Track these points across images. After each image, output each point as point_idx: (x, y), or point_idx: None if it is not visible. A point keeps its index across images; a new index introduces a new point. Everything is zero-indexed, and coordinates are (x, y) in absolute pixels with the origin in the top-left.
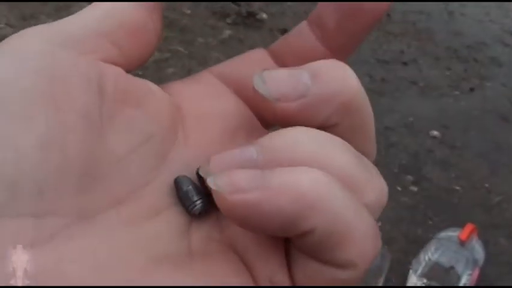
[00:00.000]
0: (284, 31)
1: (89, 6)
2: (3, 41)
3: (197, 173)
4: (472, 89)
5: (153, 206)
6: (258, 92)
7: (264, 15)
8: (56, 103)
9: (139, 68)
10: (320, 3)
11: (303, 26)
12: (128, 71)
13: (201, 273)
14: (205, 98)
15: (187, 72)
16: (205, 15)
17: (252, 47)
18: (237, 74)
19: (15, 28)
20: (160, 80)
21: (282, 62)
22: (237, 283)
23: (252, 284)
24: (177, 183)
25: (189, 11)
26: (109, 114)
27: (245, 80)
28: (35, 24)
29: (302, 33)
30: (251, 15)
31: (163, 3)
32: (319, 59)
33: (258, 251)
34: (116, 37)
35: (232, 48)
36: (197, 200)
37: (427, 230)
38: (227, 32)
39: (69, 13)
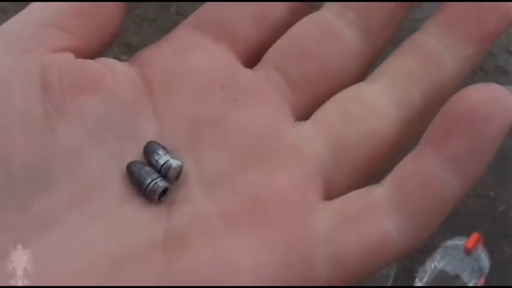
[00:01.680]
0: None
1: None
2: None
3: (144, 148)
4: None
5: (121, 194)
6: None
7: None
8: None
9: (105, 45)
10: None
11: None
12: (92, 51)
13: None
14: (173, 60)
15: None
16: None
17: None
18: (215, 17)
19: None
20: None
21: None
22: None
23: None
24: (129, 170)
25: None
26: (57, 108)
27: (225, 19)
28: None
29: None
30: None
31: None
32: None
33: None
34: (63, 22)
35: None
36: (153, 180)
37: (433, 239)
38: None
39: None
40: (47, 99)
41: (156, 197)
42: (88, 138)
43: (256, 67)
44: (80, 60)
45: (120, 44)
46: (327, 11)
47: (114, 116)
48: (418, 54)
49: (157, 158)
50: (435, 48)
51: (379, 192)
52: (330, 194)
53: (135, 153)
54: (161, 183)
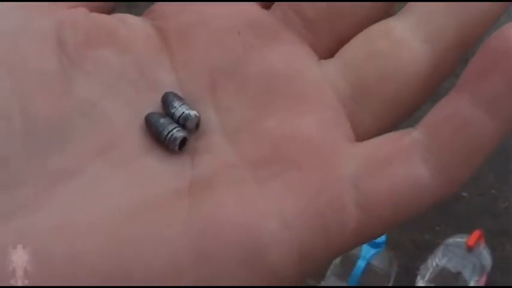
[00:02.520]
0: None
1: None
2: None
3: (162, 99)
4: None
5: (142, 144)
6: None
7: None
8: (11, 67)
9: (113, 6)
10: None
11: None
12: (103, 5)
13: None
14: (187, 10)
15: None
16: None
17: None
18: None
19: None
20: None
21: None
22: None
23: None
24: (148, 121)
25: None
26: (72, 63)
27: None
28: None
29: None
30: None
31: None
32: None
33: None
34: None
35: None
36: (172, 130)
37: (434, 236)
38: None
39: None
40: (62, 55)
41: (176, 147)
42: (105, 90)
43: (272, 7)
44: (94, 14)
45: None
46: None
47: (130, 67)
48: None
49: (173, 110)
50: None
51: (412, 135)
52: (359, 136)
53: (153, 104)
54: (179, 134)
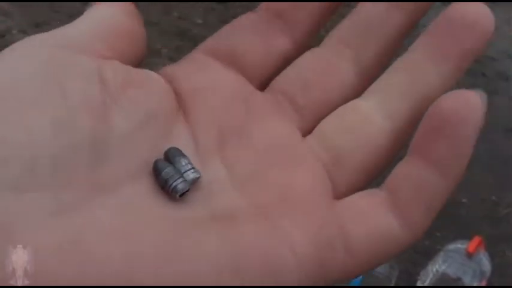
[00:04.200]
0: None
1: (84, 13)
2: (14, 44)
3: (165, 153)
4: None
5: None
6: None
7: None
8: (62, 90)
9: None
10: None
11: None
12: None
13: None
14: (197, 74)
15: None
16: (217, 25)
17: None
18: (227, 46)
19: (27, 34)
20: None
21: (278, 14)
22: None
23: None
24: (155, 168)
25: (200, 21)
26: (112, 96)
27: (236, 50)
28: (48, 31)
29: None
30: None
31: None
32: (320, 3)
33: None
34: (110, 40)
35: None
36: (176, 181)
37: (435, 242)
38: None
39: None
40: (103, 88)
41: (177, 196)
42: (135, 126)
43: (264, 92)
44: (127, 66)
45: None
46: (326, 48)
47: (159, 112)
48: (407, 71)
49: (178, 166)
50: (422, 65)
51: (380, 194)
52: (336, 196)
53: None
54: (181, 185)
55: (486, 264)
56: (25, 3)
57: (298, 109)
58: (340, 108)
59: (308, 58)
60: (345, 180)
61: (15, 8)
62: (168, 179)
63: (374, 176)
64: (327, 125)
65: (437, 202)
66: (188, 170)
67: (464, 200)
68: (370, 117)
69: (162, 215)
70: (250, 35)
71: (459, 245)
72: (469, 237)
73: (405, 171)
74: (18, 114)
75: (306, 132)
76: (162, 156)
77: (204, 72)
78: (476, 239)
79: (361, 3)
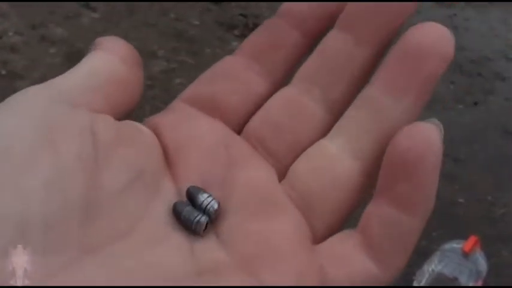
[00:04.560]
0: None
1: (80, 63)
2: (9, 97)
3: (187, 192)
4: (476, 103)
5: (153, 235)
6: None
7: None
8: (55, 149)
9: (124, 117)
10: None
11: (271, 20)
12: (117, 118)
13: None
14: (180, 126)
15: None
16: (213, 26)
17: None
18: (207, 93)
19: (24, 36)
20: (167, 90)
21: (255, 57)
22: None
23: None
24: (176, 209)
25: (197, 22)
26: (103, 154)
27: (215, 97)
28: (44, 33)
29: (272, 25)
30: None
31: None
32: (294, 44)
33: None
34: (104, 91)
35: None
36: (197, 216)
37: (431, 242)
38: (234, 44)
39: (78, 22)
40: (95, 146)
41: (201, 231)
42: (125, 184)
43: (241, 135)
44: (119, 121)
45: None
46: (295, 87)
47: (147, 170)
48: (368, 107)
49: (199, 200)
50: (381, 100)
51: (355, 236)
52: (315, 239)
53: (160, 205)
54: (202, 219)
55: (482, 264)
56: (22, 4)
57: (271, 153)
58: (309, 150)
59: (278, 99)
60: (320, 223)
61: (11, 9)
62: (189, 218)
63: (348, 215)
64: (297, 168)
65: (409, 240)
66: (208, 203)
67: (460, 200)
68: (338, 159)
69: (150, 272)
70: (229, 80)
71: (455, 245)
72: (465, 237)
73: (375, 212)
74: (10, 176)
75: (281, 175)
76: (157, 212)
77: (186, 123)
78: (472, 239)
79: (325, 38)
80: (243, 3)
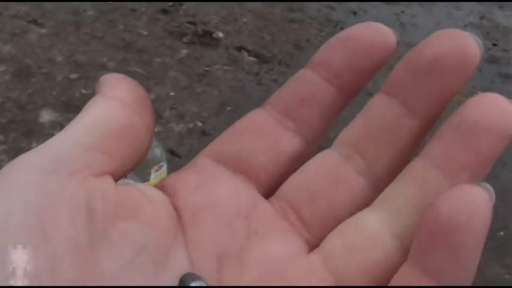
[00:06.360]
0: (240, 49)
1: (73, 120)
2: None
3: (180, 281)
4: None
5: None
6: None
7: (220, 34)
8: (45, 234)
9: (136, 166)
10: (326, 45)
11: (303, 72)
12: (123, 173)
13: None
14: (200, 188)
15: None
16: (162, 35)
17: (209, 65)
18: (234, 151)
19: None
20: None
21: (286, 112)
22: None
23: None
24: (182, 283)
25: (145, 32)
26: (100, 233)
27: (242, 154)
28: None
29: (305, 78)
30: (207, 33)
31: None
32: (330, 100)
33: None
34: (105, 145)
35: (189, 67)
36: None
37: None
38: (184, 52)
39: (25, 38)
40: (91, 224)
41: None
42: (127, 264)
43: (271, 199)
44: (121, 188)
45: (69, 63)
46: (337, 152)
47: (151, 243)
48: (417, 182)
49: None
50: (432, 175)
51: None
52: None
53: (168, 282)
54: None
55: None
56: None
57: (303, 220)
58: (347, 223)
59: (317, 164)
60: None
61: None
62: None
63: None
64: (331, 243)
65: None
66: None
67: None
68: (377, 236)
69: None
70: (257, 136)
71: None
72: None
73: (405, 281)
74: None
75: (312, 245)
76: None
77: (207, 186)
78: None
79: (370, 101)
80: (190, 12)
